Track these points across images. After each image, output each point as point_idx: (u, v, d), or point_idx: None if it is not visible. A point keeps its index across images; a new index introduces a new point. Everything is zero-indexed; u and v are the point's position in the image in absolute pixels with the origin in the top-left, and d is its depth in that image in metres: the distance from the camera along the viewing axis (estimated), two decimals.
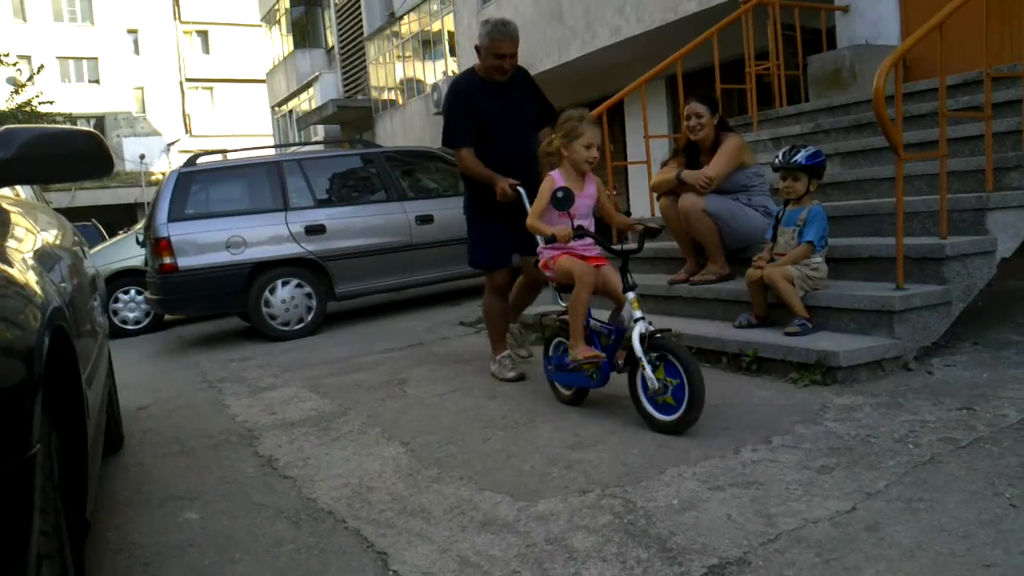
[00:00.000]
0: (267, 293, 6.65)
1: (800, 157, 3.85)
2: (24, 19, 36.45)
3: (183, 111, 41.28)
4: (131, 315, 8.77)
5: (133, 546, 2.57)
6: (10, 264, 1.55)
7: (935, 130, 4.23)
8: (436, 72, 18.01)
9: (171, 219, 6.53)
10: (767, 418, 3.06)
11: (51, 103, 21.53)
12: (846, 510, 2.23)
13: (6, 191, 2.49)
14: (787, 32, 6.86)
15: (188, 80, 41.40)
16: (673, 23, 9.72)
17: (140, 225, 9.19)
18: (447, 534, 2.35)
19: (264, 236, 6.71)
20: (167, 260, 6.45)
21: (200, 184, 6.84)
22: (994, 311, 4.23)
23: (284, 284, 6.71)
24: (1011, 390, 3.10)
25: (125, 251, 8.83)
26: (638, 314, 3.10)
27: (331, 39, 24.37)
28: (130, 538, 2.63)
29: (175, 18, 41.02)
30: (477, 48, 4.12)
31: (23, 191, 2.98)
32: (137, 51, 40.02)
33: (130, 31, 39.63)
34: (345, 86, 23.39)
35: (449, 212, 7.25)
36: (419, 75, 19.03)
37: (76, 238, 3.29)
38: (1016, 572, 1.84)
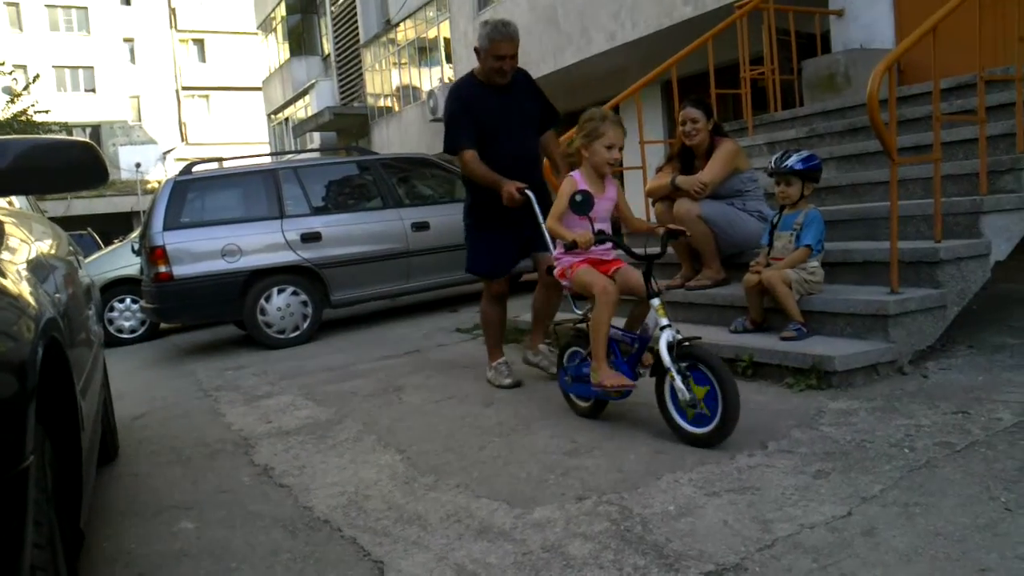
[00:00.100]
0: (263, 301, 6.64)
1: (792, 161, 3.86)
2: (20, 28, 36.48)
3: (179, 119, 41.31)
4: (127, 324, 8.75)
5: (128, 556, 2.56)
6: (4, 275, 1.55)
7: (929, 134, 4.25)
8: (432, 79, 18.02)
9: (167, 227, 6.52)
10: (763, 423, 3.05)
11: (47, 112, 21.57)
12: (842, 515, 2.23)
13: (1, 202, 2.48)
14: (781, 37, 6.87)
15: (184, 88, 41.44)
16: (668, 28, 9.74)
17: (136, 234, 9.17)
18: (443, 542, 2.35)
19: (260, 244, 6.70)
20: (163, 269, 6.44)
21: (196, 192, 6.83)
22: (989, 314, 4.24)
23: (280, 292, 6.70)
24: (1006, 393, 3.11)
25: (121, 260, 8.82)
26: (664, 321, 2.98)
27: (327, 46, 24.38)
28: (125, 548, 2.62)
29: (171, 27, 41.07)
30: (476, 50, 4.04)
31: (17, 201, 2.98)
32: (133, 60, 40.07)
33: (126, 40, 39.68)
34: (341, 93, 23.40)
35: (445, 219, 7.25)
36: (415, 82, 19.04)
37: (71, 248, 3.29)
38: None
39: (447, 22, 16.37)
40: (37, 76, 21.47)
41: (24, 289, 1.62)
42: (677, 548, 2.13)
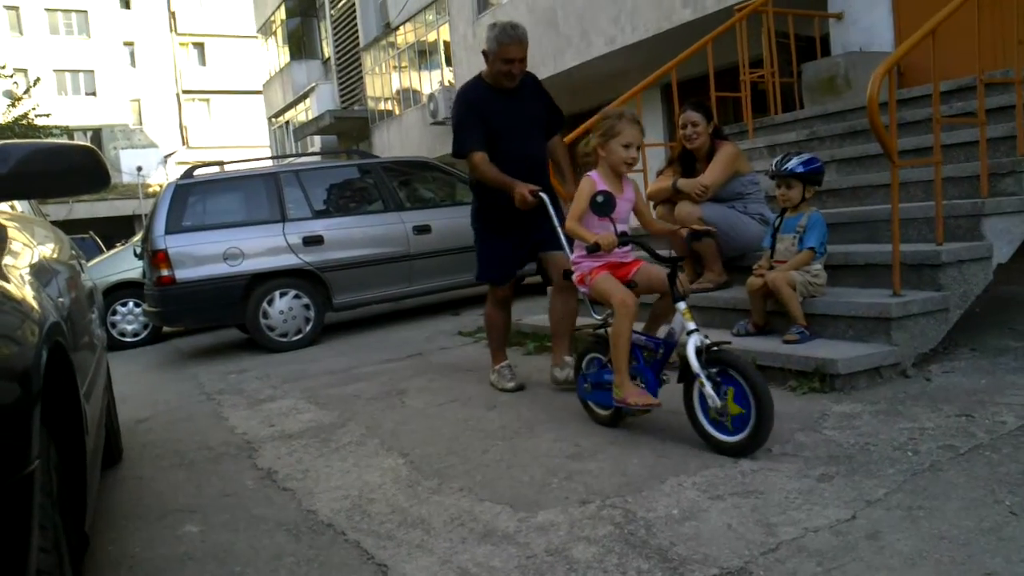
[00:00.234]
0: (265, 304, 6.64)
1: (793, 164, 3.86)
2: (20, 32, 36.52)
3: (180, 123, 41.34)
4: (129, 327, 8.75)
5: (133, 560, 2.56)
6: (7, 280, 1.55)
7: (929, 136, 4.25)
8: (432, 82, 18.03)
9: (169, 231, 6.52)
10: None
11: (48, 116, 21.57)
12: (846, 518, 2.23)
13: (3, 206, 2.49)
14: (781, 40, 6.88)
15: (185, 92, 41.47)
16: (667, 32, 9.75)
17: (138, 237, 9.18)
18: (447, 545, 2.35)
19: (262, 247, 6.71)
20: (165, 272, 6.44)
21: (197, 196, 6.84)
22: (991, 317, 4.24)
23: (282, 295, 6.70)
24: (1009, 396, 3.11)
25: (123, 263, 8.82)
26: (691, 325, 2.87)
27: (327, 50, 24.41)
28: (130, 552, 2.62)
29: (171, 30, 41.11)
30: (485, 53, 3.97)
31: (19, 205, 2.98)
32: (134, 63, 40.11)
33: (126, 44, 39.72)
34: (342, 97, 23.42)
35: (447, 222, 7.26)
36: (415, 85, 19.05)
37: (73, 251, 3.29)
38: None
39: (446, 25, 16.39)
40: (38, 80, 21.46)
41: (28, 293, 1.62)
42: (681, 552, 2.13)
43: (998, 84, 4.61)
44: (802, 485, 2.49)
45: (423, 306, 8.29)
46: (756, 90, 6.74)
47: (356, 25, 21.52)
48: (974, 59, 4.02)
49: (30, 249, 2.13)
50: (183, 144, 40.11)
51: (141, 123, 40.24)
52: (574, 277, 3.33)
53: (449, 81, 16.67)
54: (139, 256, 8.01)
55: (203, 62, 42.35)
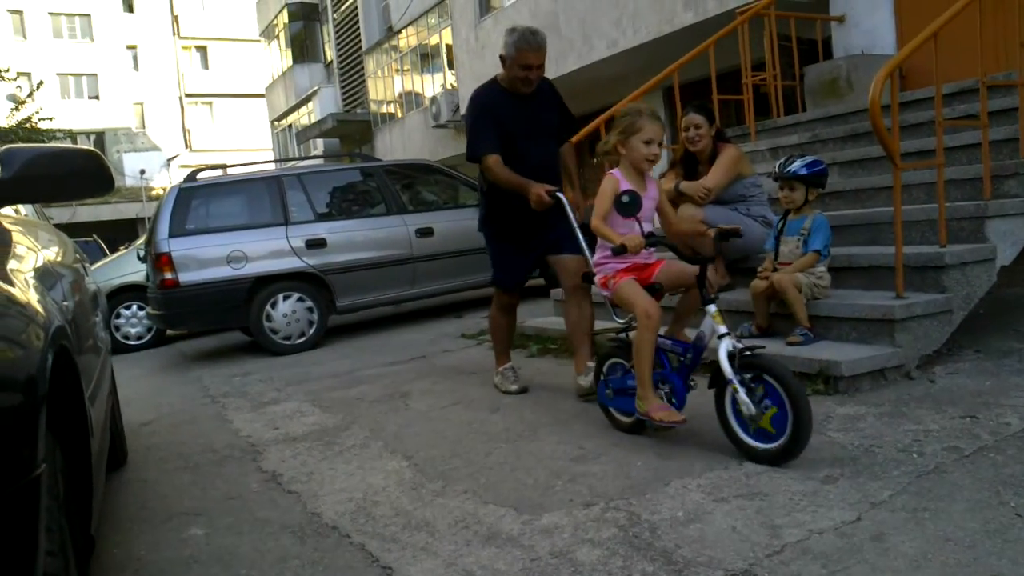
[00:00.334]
0: (268, 307, 6.65)
1: (796, 166, 3.86)
2: (24, 36, 36.64)
3: (183, 126, 41.43)
4: (133, 331, 8.76)
5: (138, 562, 2.56)
6: (12, 284, 1.55)
7: (932, 139, 4.25)
8: (435, 85, 18.07)
9: (172, 234, 6.53)
10: None
11: (51, 119, 21.63)
12: (851, 520, 2.23)
13: (7, 210, 2.49)
14: (783, 43, 6.89)
15: (187, 95, 41.57)
16: (669, 35, 9.77)
17: (141, 241, 9.20)
18: (452, 548, 2.35)
19: (265, 250, 6.72)
20: (168, 275, 6.46)
21: (200, 199, 6.85)
22: (995, 319, 4.23)
23: (285, 298, 6.70)
24: (1014, 398, 3.10)
25: (126, 267, 8.83)
26: (722, 329, 2.77)
27: (330, 53, 24.47)
28: (135, 554, 2.63)
29: (174, 34, 41.22)
30: (502, 57, 3.90)
31: (23, 208, 2.99)
32: (136, 67, 40.22)
33: (129, 47, 39.84)
34: (344, 100, 23.47)
35: (449, 225, 7.28)
36: (418, 88, 19.10)
37: (77, 255, 3.29)
38: None
39: (449, 29, 16.42)
40: (41, 83, 21.53)
41: (32, 297, 1.62)
42: (686, 554, 2.13)
43: (1000, 87, 4.61)
44: (806, 487, 2.48)
45: (426, 309, 8.30)
46: (758, 93, 6.74)
47: (359, 28, 21.58)
48: (976, 61, 4.02)
49: (34, 253, 2.14)
50: (186, 147, 40.20)
51: (144, 126, 40.36)
52: (597, 279, 3.24)
53: (451, 84, 16.70)
54: (142, 259, 8.03)
55: (206, 65, 42.46)
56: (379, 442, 3.56)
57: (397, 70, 19.89)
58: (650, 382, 2.98)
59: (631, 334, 3.12)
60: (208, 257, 6.57)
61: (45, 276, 2.01)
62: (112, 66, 38.79)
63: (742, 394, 2.69)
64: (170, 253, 6.46)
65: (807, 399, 2.60)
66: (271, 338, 6.67)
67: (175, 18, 41.24)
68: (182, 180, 7.08)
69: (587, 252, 3.60)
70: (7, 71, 20.51)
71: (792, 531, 2.19)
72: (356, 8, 21.52)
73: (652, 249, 3.15)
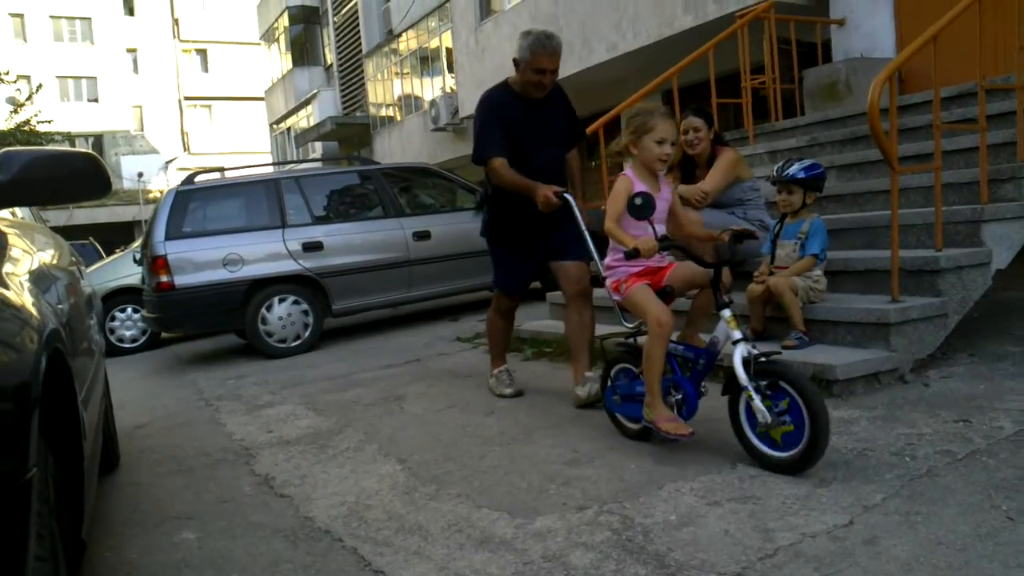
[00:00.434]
0: (264, 310, 6.64)
1: (794, 170, 3.87)
2: (24, 39, 36.66)
3: (181, 129, 41.42)
4: (128, 333, 8.75)
5: (130, 566, 2.56)
6: (7, 287, 1.55)
7: (930, 142, 4.26)
8: (434, 89, 18.09)
9: (168, 237, 6.53)
10: None
11: (50, 122, 21.65)
12: (844, 524, 2.23)
13: (3, 212, 2.49)
14: (782, 46, 6.90)
15: (187, 98, 41.57)
16: (669, 38, 9.77)
17: (137, 243, 9.19)
18: (445, 552, 2.35)
19: (261, 253, 6.71)
20: (164, 278, 6.45)
21: (198, 202, 6.85)
22: (990, 322, 4.23)
23: (281, 301, 6.70)
24: (1007, 402, 3.10)
25: (122, 269, 8.83)
26: (737, 334, 2.71)
27: (330, 57, 24.50)
28: (127, 558, 2.62)
29: (174, 37, 41.23)
30: (515, 61, 3.83)
31: (19, 211, 2.99)
32: (136, 70, 40.21)
33: (129, 50, 39.84)
34: (343, 103, 23.49)
35: (446, 228, 7.28)
36: (417, 92, 19.12)
37: (72, 258, 3.29)
38: None
39: (449, 32, 16.43)
40: (40, 86, 21.55)
41: (27, 300, 1.62)
42: (679, 558, 2.13)
43: (999, 90, 4.62)
44: (799, 491, 2.48)
45: (422, 312, 8.30)
46: (757, 96, 6.76)
47: (359, 32, 21.60)
48: (975, 65, 4.03)
49: (30, 256, 2.14)
50: (184, 150, 40.19)
51: (143, 129, 40.34)
52: (608, 283, 3.17)
53: (451, 88, 16.72)
54: (138, 262, 8.02)
55: (205, 68, 42.45)
56: (373, 445, 3.56)
57: (397, 73, 19.91)
58: (659, 390, 2.92)
59: (640, 339, 3.08)
60: (204, 260, 6.56)
61: (40, 279, 2.00)
62: (112, 69, 38.81)
63: (757, 401, 2.62)
64: (166, 256, 6.46)
65: (825, 406, 2.53)
66: (266, 341, 6.66)
67: (175, 21, 41.26)
68: (180, 183, 7.08)
69: (596, 255, 3.54)
70: (7, 74, 20.53)
71: (785, 535, 2.19)
72: (357, 11, 21.55)
73: (665, 252, 3.07)
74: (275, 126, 28.29)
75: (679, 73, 6.20)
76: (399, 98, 20.02)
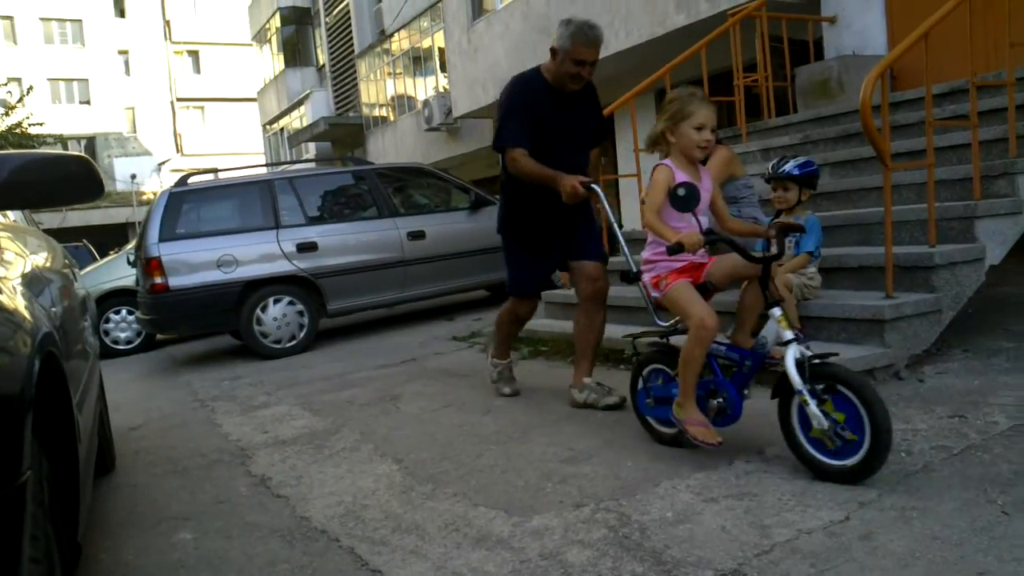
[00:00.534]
0: (259, 311, 6.64)
1: (789, 167, 3.88)
2: (15, 42, 36.50)
3: (174, 130, 41.29)
4: (122, 335, 8.74)
5: (127, 568, 2.55)
6: (0, 290, 1.55)
7: (922, 139, 4.27)
8: (427, 88, 18.07)
9: (162, 239, 6.52)
10: (760, 429, 3.04)
11: (41, 125, 21.56)
12: (839, 520, 2.23)
13: None
14: (774, 44, 6.91)
15: (179, 100, 41.44)
16: (661, 37, 9.78)
17: (131, 245, 9.17)
18: (441, 551, 2.35)
19: (255, 254, 6.70)
20: (158, 280, 6.44)
21: (191, 203, 6.84)
22: (984, 318, 4.25)
23: (276, 302, 6.69)
24: (1002, 397, 3.12)
25: (116, 271, 8.81)
26: (789, 334, 2.55)
27: (322, 57, 24.45)
28: (123, 560, 2.62)
29: (166, 38, 41.10)
30: (553, 50, 3.61)
31: (12, 213, 2.98)
32: (128, 72, 40.08)
33: (121, 52, 39.70)
34: (336, 103, 23.45)
35: (441, 228, 7.28)
36: (410, 92, 19.09)
37: (66, 260, 3.28)
38: None
39: (441, 32, 16.41)
40: (31, 88, 21.44)
41: (20, 303, 1.61)
42: (675, 555, 2.13)
43: (990, 87, 4.64)
44: (795, 487, 2.49)
45: (417, 311, 8.29)
46: (750, 94, 6.76)
47: (351, 32, 21.57)
48: (967, 62, 4.04)
49: (23, 259, 2.13)
50: (177, 152, 40.07)
51: (135, 131, 40.20)
52: (647, 278, 2.96)
53: (444, 88, 16.70)
54: (132, 264, 8.01)
55: (197, 70, 42.32)
56: (369, 445, 3.56)
57: (389, 73, 19.88)
58: (693, 392, 2.79)
59: (672, 339, 2.98)
60: (198, 261, 6.56)
61: (33, 282, 2.00)
62: (103, 71, 38.67)
63: (813, 407, 2.46)
64: (160, 257, 6.45)
65: (887, 412, 2.39)
66: (261, 342, 6.65)
67: (167, 23, 41.12)
68: (173, 184, 7.07)
69: (625, 248, 3.44)
70: None
71: (781, 531, 2.20)
72: (348, 12, 21.51)
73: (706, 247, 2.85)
74: (268, 127, 28.25)
75: (672, 71, 6.19)
76: (392, 98, 20.00)
